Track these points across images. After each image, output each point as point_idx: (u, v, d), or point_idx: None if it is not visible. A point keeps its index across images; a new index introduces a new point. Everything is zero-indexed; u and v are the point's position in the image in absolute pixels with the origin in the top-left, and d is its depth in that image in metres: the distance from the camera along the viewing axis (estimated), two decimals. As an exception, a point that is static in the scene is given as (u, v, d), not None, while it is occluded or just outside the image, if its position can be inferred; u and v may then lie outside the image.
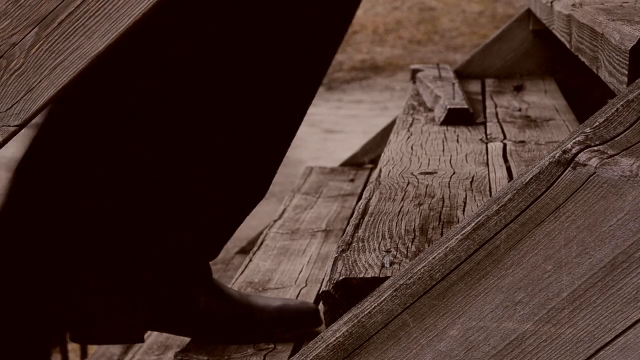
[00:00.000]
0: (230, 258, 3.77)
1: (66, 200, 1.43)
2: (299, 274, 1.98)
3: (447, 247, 1.13)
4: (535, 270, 1.12)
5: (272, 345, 1.63)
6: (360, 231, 1.45)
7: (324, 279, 1.62)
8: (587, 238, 1.11)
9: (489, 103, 2.68)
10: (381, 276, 1.26)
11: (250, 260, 2.07)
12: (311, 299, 1.84)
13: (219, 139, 1.42)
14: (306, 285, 1.91)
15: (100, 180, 1.42)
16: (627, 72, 1.20)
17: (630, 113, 1.11)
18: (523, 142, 2.11)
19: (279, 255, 2.10)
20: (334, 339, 1.16)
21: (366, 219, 1.52)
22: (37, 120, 1.45)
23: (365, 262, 1.31)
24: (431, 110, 2.56)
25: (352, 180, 2.77)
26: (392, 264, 1.31)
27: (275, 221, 2.35)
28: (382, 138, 3.25)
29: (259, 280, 1.94)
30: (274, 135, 1.44)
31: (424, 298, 1.14)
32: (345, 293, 1.25)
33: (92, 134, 1.43)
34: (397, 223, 1.49)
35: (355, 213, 1.56)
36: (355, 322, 1.15)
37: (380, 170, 1.88)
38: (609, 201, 1.10)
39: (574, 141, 1.11)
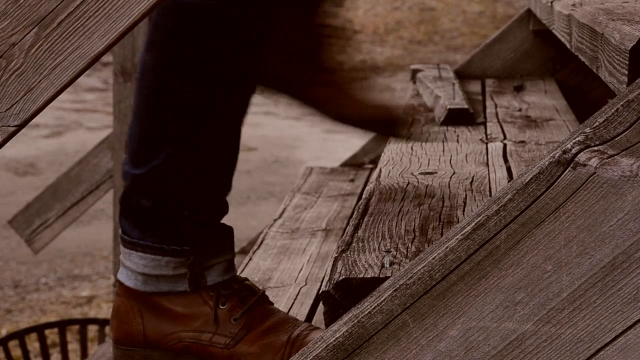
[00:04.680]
0: (230, 258, 3.76)
1: None
2: (299, 273, 1.98)
3: (446, 247, 1.13)
4: (535, 270, 1.12)
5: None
6: (360, 231, 1.45)
7: (323, 279, 1.62)
8: (587, 238, 1.11)
9: (488, 103, 2.68)
10: (381, 276, 1.26)
11: (250, 259, 2.07)
12: (311, 298, 1.84)
13: None
14: (306, 284, 1.91)
15: None
16: (626, 72, 1.20)
17: (630, 113, 1.11)
18: (523, 142, 2.11)
19: (279, 254, 2.10)
20: (333, 338, 1.15)
21: (366, 218, 1.52)
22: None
23: (365, 262, 1.31)
24: (431, 110, 2.56)
25: (352, 180, 2.77)
26: (391, 263, 1.31)
27: (275, 220, 2.35)
28: (382, 138, 3.24)
29: (258, 279, 1.94)
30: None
31: (424, 298, 1.14)
32: (345, 293, 1.25)
33: None
34: (396, 223, 1.49)
35: (355, 213, 1.56)
36: (355, 322, 1.15)
37: (380, 170, 1.88)
38: (609, 201, 1.10)
39: (573, 141, 1.11)
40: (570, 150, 1.11)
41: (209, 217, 1.54)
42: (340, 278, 1.26)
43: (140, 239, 1.52)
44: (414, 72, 3.07)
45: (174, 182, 1.51)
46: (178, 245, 1.50)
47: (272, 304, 1.55)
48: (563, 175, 1.11)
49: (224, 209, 1.56)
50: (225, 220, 1.57)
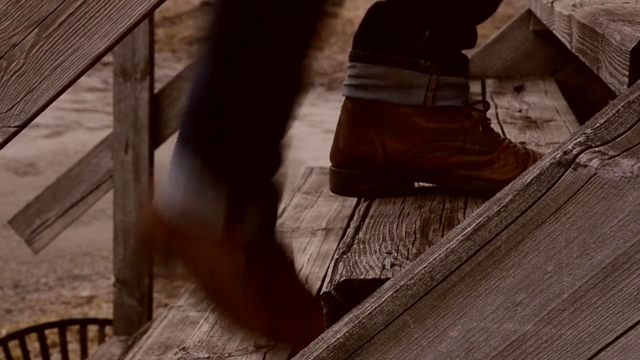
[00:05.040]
0: (230, 258, 3.76)
1: None
2: (299, 272, 1.98)
3: (447, 248, 1.13)
4: (536, 271, 1.12)
5: (273, 343, 1.64)
6: (361, 233, 1.45)
7: (324, 279, 1.62)
8: (588, 239, 1.11)
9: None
10: (382, 277, 1.26)
11: (251, 259, 2.07)
12: (311, 298, 1.84)
13: None
14: (306, 283, 1.91)
15: None
16: (627, 73, 1.20)
17: (631, 114, 1.11)
18: (523, 143, 2.11)
19: (280, 254, 2.10)
20: (334, 339, 1.15)
21: (367, 220, 1.52)
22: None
23: (366, 263, 1.31)
24: (431, 110, 2.56)
25: (352, 180, 2.76)
26: (392, 265, 1.31)
27: (275, 220, 2.35)
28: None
29: (259, 279, 1.94)
30: None
31: (425, 299, 1.13)
32: (346, 294, 1.25)
33: None
34: (397, 225, 1.48)
35: (356, 215, 1.56)
36: (356, 322, 1.15)
37: (381, 171, 1.88)
38: (610, 202, 1.10)
39: (574, 142, 1.11)
40: (571, 151, 1.11)
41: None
42: (341, 279, 1.26)
43: None
44: (414, 73, 3.06)
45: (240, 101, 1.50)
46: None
47: None
48: (564, 176, 1.11)
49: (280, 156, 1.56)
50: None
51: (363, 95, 1.66)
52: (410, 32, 1.65)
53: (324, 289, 1.27)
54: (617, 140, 1.11)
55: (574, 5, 1.89)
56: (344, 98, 1.72)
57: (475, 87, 2.96)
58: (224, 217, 1.46)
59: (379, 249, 1.37)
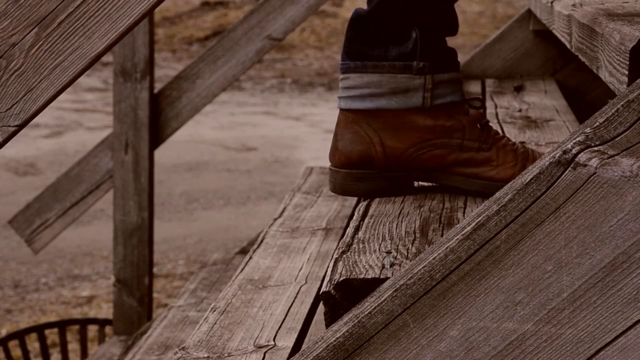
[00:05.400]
0: (230, 258, 3.77)
1: None
2: (299, 271, 1.98)
3: (447, 247, 1.13)
4: (535, 271, 1.12)
5: (272, 343, 1.64)
6: (361, 232, 1.45)
7: (324, 279, 1.61)
8: (587, 238, 1.11)
9: (489, 103, 2.68)
10: (381, 277, 1.26)
11: (250, 258, 2.07)
12: (311, 296, 1.84)
13: None
14: (306, 282, 1.91)
15: None
16: (627, 72, 1.20)
17: (630, 113, 1.11)
18: (523, 142, 2.11)
19: (279, 252, 2.10)
20: (334, 339, 1.16)
21: (366, 220, 1.52)
22: None
23: (366, 262, 1.31)
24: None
25: (352, 180, 2.76)
26: (392, 264, 1.31)
27: (275, 219, 2.35)
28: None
29: (258, 277, 1.94)
30: None
31: (424, 298, 1.14)
32: (346, 293, 1.25)
33: None
34: (397, 224, 1.48)
35: (355, 214, 1.56)
36: (355, 322, 1.15)
37: (380, 170, 1.88)
38: (609, 201, 1.10)
39: (574, 141, 1.11)
40: (571, 150, 1.11)
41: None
42: (341, 279, 1.26)
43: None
44: (414, 72, 3.06)
45: None
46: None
47: None
48: (563, 176, 1.11)
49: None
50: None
51: (361, 106, 1.66)
52: (397, 36, 1.66)
53: (323, 289, 1.27)
54: (616, 139, 1.11)
55: (573, 5, 1.89)
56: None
57: (475, 87, 2.96)
58: None
59: (379, 249, 1.37)
